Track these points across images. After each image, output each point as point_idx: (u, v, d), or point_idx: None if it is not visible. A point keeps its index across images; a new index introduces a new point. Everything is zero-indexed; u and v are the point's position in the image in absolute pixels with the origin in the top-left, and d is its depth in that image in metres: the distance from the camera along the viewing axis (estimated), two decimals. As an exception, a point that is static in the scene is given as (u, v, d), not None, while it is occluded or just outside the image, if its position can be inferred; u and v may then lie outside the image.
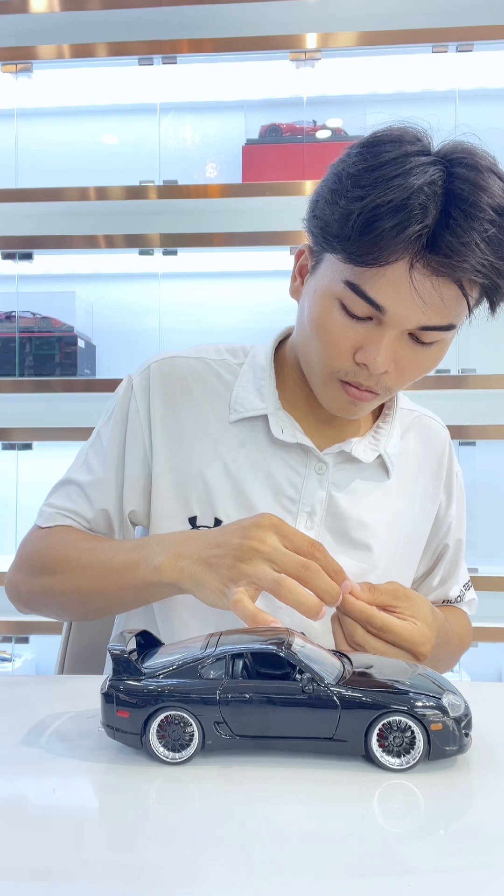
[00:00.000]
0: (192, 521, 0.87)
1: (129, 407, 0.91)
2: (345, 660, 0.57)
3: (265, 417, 0.87)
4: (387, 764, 0.50)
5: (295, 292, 0.86)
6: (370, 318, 0.75)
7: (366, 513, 0.88)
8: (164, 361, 0.92)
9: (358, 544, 0.87)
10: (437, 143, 0.74)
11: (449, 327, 0.75)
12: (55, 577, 0.82)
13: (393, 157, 0.69)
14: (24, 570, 0.87)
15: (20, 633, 2.04)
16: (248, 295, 2.28)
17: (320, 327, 0.78)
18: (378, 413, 0.94)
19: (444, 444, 0.99)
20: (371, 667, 0.55)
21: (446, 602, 1.00)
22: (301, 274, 0.85)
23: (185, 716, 0.50)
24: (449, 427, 1.03)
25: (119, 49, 2.05)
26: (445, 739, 0.50)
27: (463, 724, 0.51)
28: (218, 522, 0.85)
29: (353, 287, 0.73)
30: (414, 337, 0.76)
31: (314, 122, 2.07)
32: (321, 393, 0.84)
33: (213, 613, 0.81)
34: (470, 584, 1.02)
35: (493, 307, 0.77)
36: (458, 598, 1.00)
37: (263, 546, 0.68)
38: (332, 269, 0.76)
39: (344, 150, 0.76)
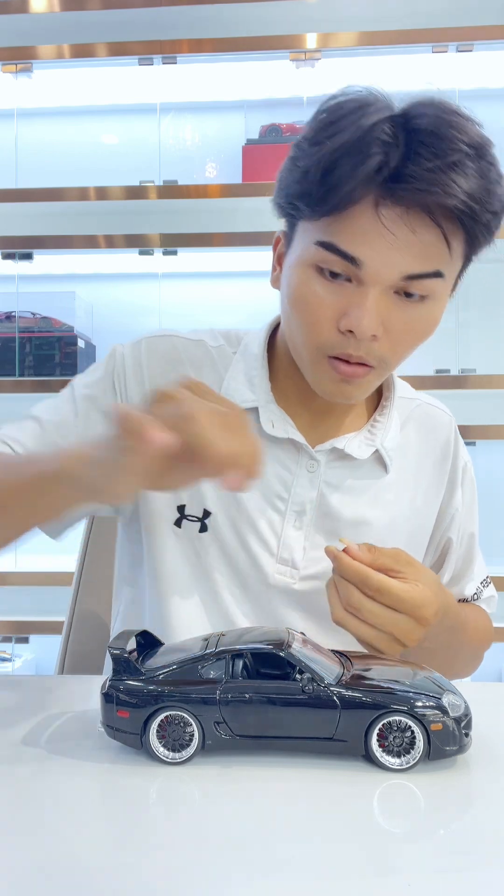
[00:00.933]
0: (181, 509, 0.83)
1: (117, 373, 0.85)
2: (345, 660, 0.57)
3: (256, 410, 0.82)
4: (387, 764, 0.50)
5: (275, 281, 0.83)
6: (349, 280, 0.71)
7: (360, 512, 0.84)
8: (160, 339, 0.87)
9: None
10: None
11: (435, 274, 0.70)
12: None
13: (350, 109, 0.68)
14: None
15: (20, 633, 2.04)
16: (248, 295, 2.28)
17: (300, 299, 0.74)
18: (376, 405, 0.89)
19: (449, 433, 0.94)
20: (371, 667, 0.55)
21: (462, 601, 0.96)
22: (280, 263, 0.82)
23: (185, 716, 0.50)
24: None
25: (119, 49, 2.05)
26: (445, 739, 0.50)
27: (463, 724, 0.51)
28: (207, 514, 0.82)
29: (326, 245, 0.69)
30: (400, 293, 0.71)
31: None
32: (312, 377, 0.78)
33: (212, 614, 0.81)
34: (489, 580, 0.98)
35: (473, 246, 0.72)
36: (475, 596, 0.96)
37: (178, 394, 0.58)
38: (304, 236, 0.73)
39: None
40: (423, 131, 0.66)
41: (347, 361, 0.73)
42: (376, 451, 0.85)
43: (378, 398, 0.90)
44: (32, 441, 0.82)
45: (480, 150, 0.68)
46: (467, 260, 0.75)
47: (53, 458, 0.64)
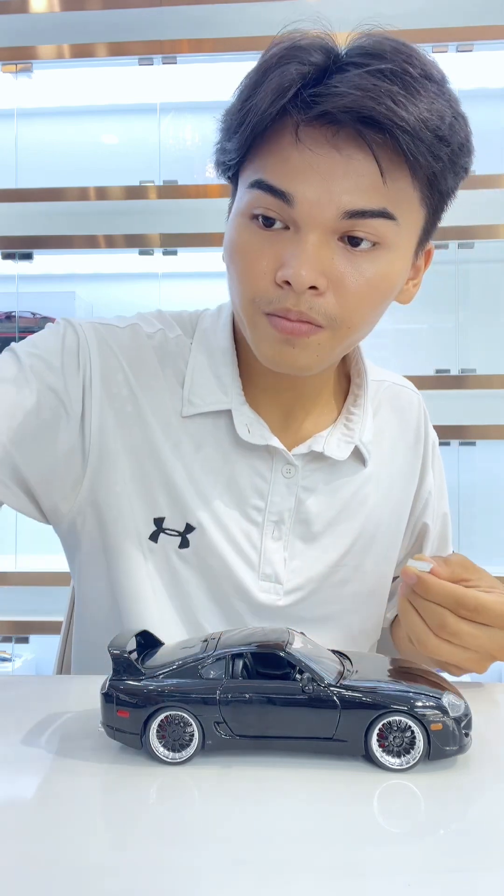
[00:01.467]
0: (159, 522, 0.76)
1: (82, 351, 0.74)
2: (345, 660, 0.57)
3: (227, 412, 0.75)
4: (387, 764, 0.50)
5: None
6: (287, 229, 0.64)
7: (338, 513, 0.80)
8: (119, 330, 0.77)
9: (327, 546, 0.80)
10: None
11: (381, 213, 0.62)
12: None
13: (286, 45, 0.64)
14: None
15: (20, 633, 2.04)
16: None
17: (234, 251, 0.67)
18: (345, 391, 0.82)
19: (419, 413, 0.89)
20: (371, 667, 0.55)
21: None
22: None
23: (185, 716, 0.50)
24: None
25: (119, 49, 2.05)
26: (445, 739, 0.50)
27: (463, 724, 0.51)
28: (190, 528, 0.75)
29: (257, 183, 0.63)
30: (344, 240, 0.63)
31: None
32: (252, 340, 0.70)
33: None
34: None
35: (433, 186, 0.64)
36: None
37: None
38: (240, 187, 0.68)
39: None
40: (358, 50, 0.62)
41: (286, 317, 0.65)
42: (355, 447, 0.79)
43: (347, 384, 0.83)
44: None
45: (429, 74, 0.63)
46: (432, 209, 0.67)
47: None
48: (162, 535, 0.76)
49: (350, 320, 0.66)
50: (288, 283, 0.63)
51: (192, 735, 0.51)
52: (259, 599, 0.77)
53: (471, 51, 2.00)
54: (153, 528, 0.76)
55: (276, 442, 0.75)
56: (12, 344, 0.76)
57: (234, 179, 0.71)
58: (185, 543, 0.76)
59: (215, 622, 0.78)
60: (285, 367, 0.69)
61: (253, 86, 0.63)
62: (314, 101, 0.59)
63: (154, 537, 0.76)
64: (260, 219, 0.65)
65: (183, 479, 0.75)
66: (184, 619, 0.77)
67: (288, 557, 0.78)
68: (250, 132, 0.62)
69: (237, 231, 0.67)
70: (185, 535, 0.76)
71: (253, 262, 0.65)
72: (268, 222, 0.64)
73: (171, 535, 0.76)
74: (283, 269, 0.63)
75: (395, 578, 0.90)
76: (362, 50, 0.63)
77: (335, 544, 0.81)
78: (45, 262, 2.21)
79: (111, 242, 2.09)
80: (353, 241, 0.63)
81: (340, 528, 0.81)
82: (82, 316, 2.21)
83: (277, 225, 0.64)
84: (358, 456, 0.80)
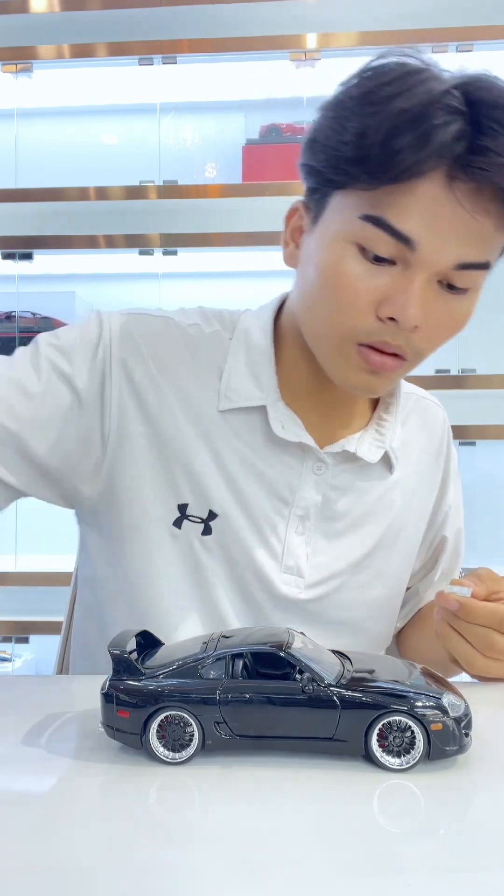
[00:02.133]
0: (183, 508, 0.76)
1: (103, 345, 0.75)
2: (345, 660, 0.57)
3: (262, 408, 0.76)
4: (387, 764, 0.50)
5: (290, 258, 0.75)
6: (394, 263, 0.64)
7: (363, 514, 0.81)
8: (148, 319, 0.79)
9: (351, 544, 0.81)
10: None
11: (484, 266, 0.65)
12: None
13: (401, 73, 0.62)
14: None
15: (20, 633, 2.04)
16: (248, 295, 2.28)
17: (334, 281, 0.66)
18: (375, 399, 0.84)
19: (444, 429, 0.91)
20: (371, 667, 0.55)
21: None
22: (294, 238, 0.75)
23: (185, 716, 0.50)
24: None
25: (119, 49, 2.05)
26: (445, 739, 0.50)
27: (463, 724, 0.51)
28: (213, 515, 0.76)
29: (375, 220, 0.62)
30: (444, 283, 0.65)
31: (314, 122, 2.07)
32: (334, 365, 0.71)
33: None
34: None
35: None
36: None
37: None
38: (344, 208, 0.65)
39: (335, 89, 0.68)
40: (490, 104, 0.61)
41: (380, 351, 0.67)
42: (385, 452, 0.81)
43: None
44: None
45: None
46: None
47: None
48: (185, 521, 0.77)
49: (430, 352, 0.70)
50: (393, 319, 0.64)
51: (192, 735, 0.51)
52: (281, 591, 0.78)
53: (471, 51, 2.00)
54: (177, 513, 0.77)
55: (309, 440, 0.76)
56: (39, 335, 0.78)
57: (322, 191, 0.69)
58: (207, 530, 0.77)
59: (235, 611, 0.78)
60: (361, 392, 0.74)
61: (395, 124, 0.60)
62: (471, 164, 0.60)
63: (178, 523, 0.77)
64: (369, 254, 0.64)
65: (209, 467, 0.76)
66: (202, 607, 0.77)
67: (311, 553, 0.79)
68: (392, 178, 0.60)
69: (338, 258, 0.66)
70: (207, 522, 0.77)
71: (357, 294, 0.65)
72: (377, 258, 0.64)
73: (194, 521, 0.77)
74: (391, 305, 0.64)
75: (407, 589, 0.91)
76: (496, 102, 0.62)
77: (358, 544, 0.81)
78: (45, 262, 2.21)
79: (111, 242, 2.09)
80: (449, 285, 0.66)
81: (365, 529, 0.82)
82: (82, 316, 2.21)
83: (385, 261, 0.64)
84: (386, 461, 0.82)
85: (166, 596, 0.77)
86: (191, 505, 0.77)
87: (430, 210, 0.61)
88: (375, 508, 0.82)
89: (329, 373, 0.73)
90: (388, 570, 0.84)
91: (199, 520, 0.77)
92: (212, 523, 0.77)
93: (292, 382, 0.79)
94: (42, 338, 0.77)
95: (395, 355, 0.67)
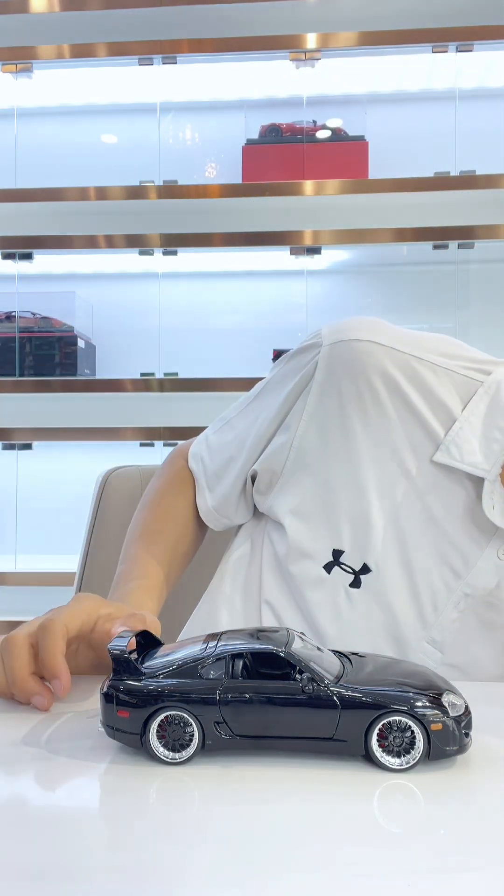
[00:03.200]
0: (337, 554, 0.73)
1: (310, 380, 0.73)
2: (345, 660, 0.57)
3: (477, 479, 0.69)
4: (387, 764, 0.50)
5: None
6: None
7: None
8: (368, 346, 0.71)
9: (501, 644, 0.75)
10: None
11: None
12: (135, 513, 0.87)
13: None
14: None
15: (20, 633, 2.04)
16: (248, 295, 2.28)
17: None
18: None
19: None
20: (371, 666, 0.55)
21: None
22: None
23: (185, 716, 0.50)
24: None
25: (119, 49, 2.05)
26: (445, 739, 0.50)
27: (463, 724, 0.51)
28: (366, 569, 0.72)
29: None
30: None
31: (314, 122, 2.07)
32: None
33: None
34: None
35: None
36: None
37: (49, 612, 0.62)
38: None
39: None
40: None
41: None
42: None
43: None
44: (215, 479, 0.84)
45: None
46: None
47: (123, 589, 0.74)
48: (336, 567, 0.73)
49: None
50: None
51: (192, 735, 0.51)
52: (415, 658, 0.74)
53: (471, 51, 2.00)
54: (330, 558, 0.73)
55: None
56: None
57: None
58: (356, 583, 0.73)
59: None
60: None
61: None
62: None
63: (328, 568, 0.73)
64: None
65: (385, 515, 0.71)
66: None
67: (460, 630, 0.75)
68: None
69: None
70: (358, 575, 0.73)
71: None
72: None
73: (345, 570, 0.73)
74: None
75: None
76: None
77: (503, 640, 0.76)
78: (45, 262, 2.22)
79: (111, 242, 2.09)
80: None
81: None
82: (82, 316, 2.21)
83: None
84: None
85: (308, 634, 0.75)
86: (347, 552, 0.73)
87: None
88: None
89: None
90: None
91: (350, 570, 0.73)
92: (363, 577, 0.73)
93: None
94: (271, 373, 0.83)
95: None
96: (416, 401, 0.71)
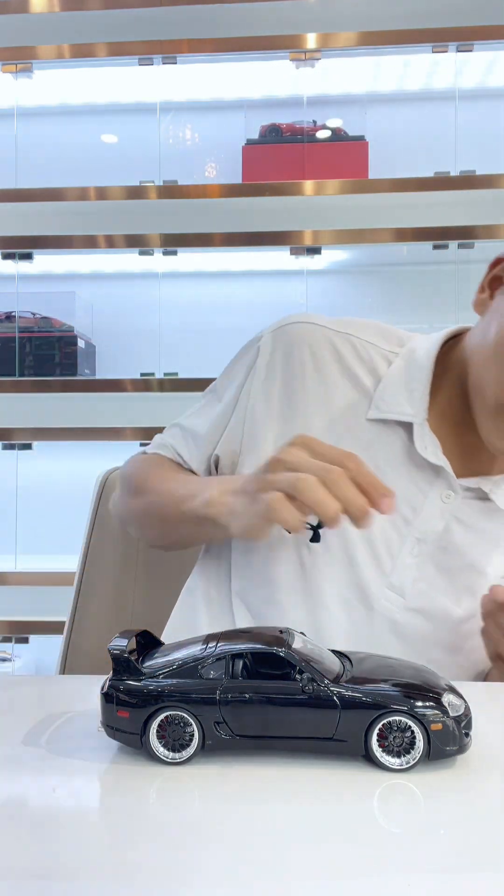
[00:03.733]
0: None
1: (251, 365, 0.83)
2: (345, 660, 0.57)
3: (409, 426, 0.77)
4: (387, 764, 0.50)
5: (479, 305, 0.78)
6: None
7: (481, 557, 0.79)
8: (304, 327, 0.82)
9: (462, 588, 0.79)
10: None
11: None
12: (138, 498, 0.84)
13: None
14: (120, 489, 0.91)
15: (20, 633, 2.04)
16: (248, 295, 2.28)
17: None
18: None
19: None
20: (371, 666, 0.55)
21: None
22: (492, 286, 0.77)
23: (185, 716, 0.50)
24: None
25: (119, 49, 2.05)
26: (445, 739, 0.50)
27: (463, 724, 0.51)
28: (322, 524, 0.78)
29: None
30: None
31: (314, 122, 2.07)
32: (487, 425, 0.74)
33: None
34: None
35: None
36: None
37: (288, 457, 0.65)
38: None
39: None
40: None
41: None
42: None
43: None
44: (185, 451, 0.86)
45: None
46: None
47: (203, 499, 0.73)
48: None
49: None
50: None
51: (192, 735, 0.51)
52: (378, 606, 0.77)
53: (471, 51, 2.00)
54: None
55: (448, 465, 0.76)
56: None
57: None
58: (316, 538, 0.76)
59: (328, 618, 0.78)
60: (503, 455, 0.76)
61: None
62: None
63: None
64: None
65: None
66: (307, 614, 0.79)
67: (418, 578, 0.78)
68: None
69: None
70: (316, 529, 0.76)
71: None
72: None
73: (305, 527, 0.76)
74: None
75: None
76: None
77: (466, 589, 0.79)
78: (45, 262, 2.22)
79: (111, 242, 2.09)
80: None
81: (475, 577, 0.80)
82: (82, 316, 2.21)
83: None
84: None
85: (277, 598, 0.79)
86: None
87: None
88: (492, 556, 0.80)
89: (479, 425, 0.75)
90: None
91: (309, 527, 0.76)
92: (321, 531, 0.76)
93: (443, 410, 0.79)
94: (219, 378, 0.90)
95: None
96: (349, 367, 0.81)
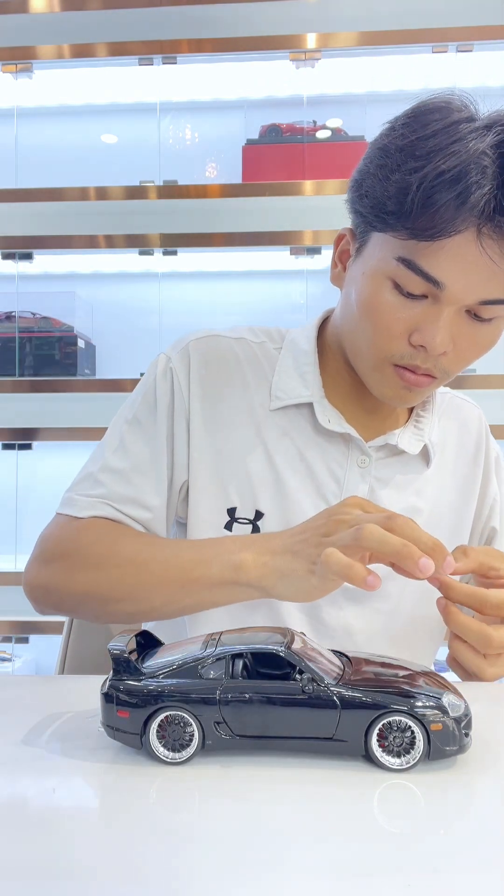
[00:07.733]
0: (231, 511, 0.82)
1: (171, 385, 0.85)
2: (345, 660, 0.57)
3: (309, 406, 0.84)
4: (387, 764, 0.50)
5: (336, 279, 0.83)
6: (425, 297, 0.71)
7: (406, 506, 0.85)
8: (203, 340, 0.88)
9: None
10: (481, 111, 0.71)
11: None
12: (104, 572, 0.75)
13: (443, 126, 0.67)
14: (56, 567, 0.80)
15: (20, 633, 2.04)
16: (248, 295, 2.28)
17: (371, 310, 0.74)
18: None
19: (480, 426, 0.96)
20: (371, 666, 0.55)
21: None
22: (342, 259, 0.82)
23: (185, 716, 0.50)
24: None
25: (119, 49, 2.05)
26: (445, 739, 0.50)
27: (463, 724, 0.51)
28: (259, 515, 0.81)
29: (408, 263, 0.69)
30: (471, 314, 0.72)
31: (314, 122, 2.07)
32: (372, 380, 0.79)
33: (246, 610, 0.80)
34: None
35: None
36: None
37: (348, 517, 0.65)
38: (382, 247, 0.72)
39: (384, 126, 0.74)
40: None
41: (414, 371, 0.75)
42: (424, 445, 0.87)
43: None
44: (127, 494, 0.81)
45: None
46: None
47: (228, 563, 0.70)
48: (235, 524, 0.82)
49: (458, 371, 0.77)
50: (423, 346, 0.72)
51: (192, 735, 0.51)
52: None
53: (471, 51, 2.00)
54: (227, 518, 0.82)
55: (353, 431, 0.83)
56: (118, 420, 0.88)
57: (365, 228, 0.75)
58: (255, 530, 0.81)
59: (286, 608, 0.81)
60: (396, 404, 0.81)
61: (433, 185, 0.65)
62: (499, 222, 0.66)
63: (229, 527, 0.82)
64: (402, 289, 0.71)
65: (260, 467, 0.83)
66: (258, 607, 0.81)
67: None
68: (431, 236, 0.66)
69: (375, 292, 0.73)
70: (255, 522, 0.81)
71: (391, 323, 0.73)
72: (410, 294, 0.71)
73: (242, 523, 0.82)
74: (420, 334, 0.72)
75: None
76: None
77: None
78: (45, 262, 2.22)
79: (111, 242, 2.09)
80: (476, 315, 0.72)
81: None
82: (82, 316, 2.21)
83: (417, 296, 0.71)
84: (424, 455, 0.88)
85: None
86: (239, 508, 0.82)
87: (459, 258, 0.68)
88: (416, 504, 0.86)
89: (367, 385, 0.81)
90: None
91: (247, 521, 0.81)
92: (258, 523, 0.81)
93: (335, 385, 0.86)
94: (126, 414, 0.89)
95: (427, 375, 0.75)
96: (252, 368, 0.86)
